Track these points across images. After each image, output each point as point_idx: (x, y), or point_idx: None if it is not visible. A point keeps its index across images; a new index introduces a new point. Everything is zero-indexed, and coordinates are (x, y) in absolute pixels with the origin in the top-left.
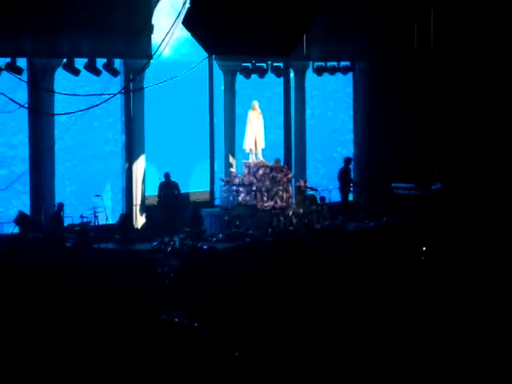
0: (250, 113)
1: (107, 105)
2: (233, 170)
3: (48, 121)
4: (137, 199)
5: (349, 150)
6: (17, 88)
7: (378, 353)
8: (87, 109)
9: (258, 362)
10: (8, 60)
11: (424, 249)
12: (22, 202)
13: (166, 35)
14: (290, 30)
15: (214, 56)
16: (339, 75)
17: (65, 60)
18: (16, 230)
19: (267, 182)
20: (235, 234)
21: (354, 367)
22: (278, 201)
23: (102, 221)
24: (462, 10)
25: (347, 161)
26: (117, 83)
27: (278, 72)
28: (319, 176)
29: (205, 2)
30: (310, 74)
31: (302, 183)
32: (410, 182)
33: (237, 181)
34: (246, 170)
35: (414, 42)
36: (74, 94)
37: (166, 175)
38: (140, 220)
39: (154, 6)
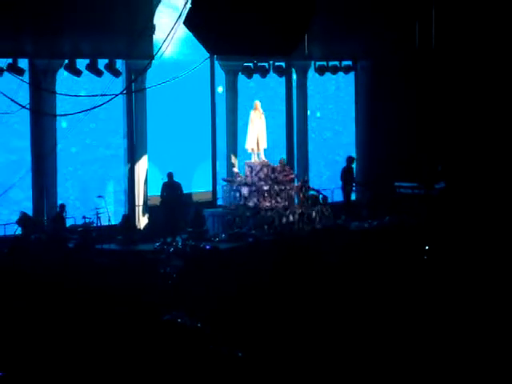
0: (252, 113)
1: (109, 105)
2: (235, 169)
3: (50, 122)
4: (139, 200)
5: (351, 152)
6: (18, 89)
7: (380, 352)
8: (89, 109)
9: (261, 362)
10: (9, 61)
11: (427, 248)
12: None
13: (168, 35)
14: (291, 29)
15: (215, 56)
16: (341, 75)
17: (66, 61)
18: (18, 231)
19: (269, 182)
20: (238, 234)
21: (355, 366)
22: (281, 201)
23: (104, 221)
24: (463, 9)
25: (350, 160)
26: (119, 84)
27: (280, 72)
28: (322, 179)
29: (206, 2)
30: (311, 74)
31: (303, 183)
32: (413, 181)
33: (239, 181)
34: (248, 170)
35: (415, 40)
36: (76, 95)
37: (170, 175)
38: (142, 220)
39: (156, 6)
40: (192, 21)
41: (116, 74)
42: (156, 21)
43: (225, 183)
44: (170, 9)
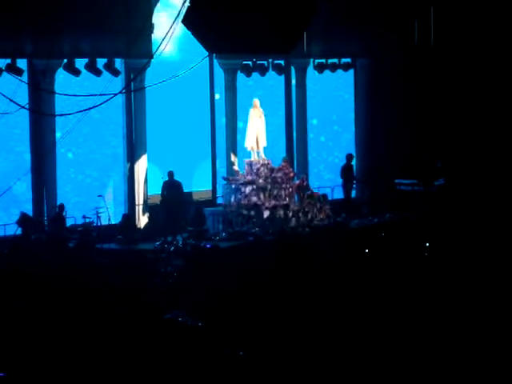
0: (251, 111)
1: (109, 105)
2: (235, 167)
3: (49, 121)
4: (139, 199)
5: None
6: (17, 89)
7: (380, 351)
8: (88, 109)
9: (262, 360)
10: (8, 61)
11: (427, 245)
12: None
13: (167, 34)
14: (290, 27)
15: (214, 54)
16: (339, 74)
17: (65, 60)
18: (19, 231)
19: (269, 180)
20: (238, 232)
21: (356, 365)
22: (280, 199)
23: (104, 221)
24: (462, 7)
25: (349, 157)
26: (118, 83)
27: (279, 70)
28: (322, 182)
29: (205, 1)
30: (310, 72)
31: (303, 181)
32: (412, 178)
33: (239, 179)
34: (247, 169)
35: (414, 38)
36: (75, 95)
37: (170, 174)
38: (142, 220)
39: (154, 5)
40: (191, 20)
41: (115, 73)
42: (155, 20)
43: (225, 182)
44: (169, 8)
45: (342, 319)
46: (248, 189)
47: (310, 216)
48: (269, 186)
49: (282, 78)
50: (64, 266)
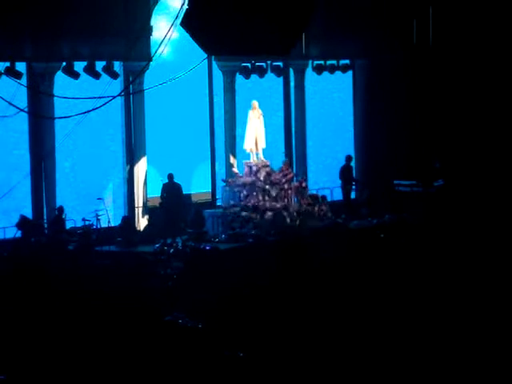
0: (250, 113)
1: (108, 107)
2: (235, 169)
3: (48, 124)
4: (139, 201)
5: (349, 151)
6: (16, 92)
7: (379, 352)
8: (87, 112)
9: (262, 362)
10: (7, 64)
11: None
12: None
13: (165, 37)
14: (288, 29)
15: (213, 56)
16: (338, 74)
17: (64, 63)
18: (18, 234)
19: (268, 182)
20: (237, 234)
21: (356, 365)
22: (280, 200)
23: (104, 223)
24: (460, 7)
25: (348, 158)
26: (117, 86)
27: (278, 71)
28: (320, 184)
29: (203, 4)
30: (309, 74)
31: (301, 183)
32: (411, 178)
33: (238, 181)
34: (247, 170)
35: (413, 39)
36: (74, 98)
37: (170, 176)
38: (142, 222)
39: (153, 8)
40: (189, 22)
41: (114, 76)
42: (153, 23)
43: (224, 184)
44: (167, 10)
45: (342, 320)
46: (247, 190)
47: (309, 217)
48: (268, 188)
49: (281, 79)
50: (64, 269)
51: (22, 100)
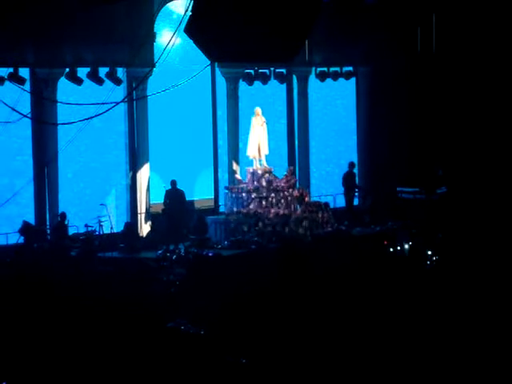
0: (253, 119)
1: (110, 114)
2: (237, 176)
3: (51, 130)
4: (141, 207)
5: (352, 157)
6: (19, 98)
7: (382, 357)
8: (90, 118)
9: (265, 368)
10: (10, 70)
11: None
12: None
13: (168, 43)
14: (292, 35)
15: (216, 63)
16: (341, 81)
17: (67, 70)
18: (21, 240)
19: (271, 189)
20: (240, 241)
21: (358, 371)
22: (282, 207)
23: (106, 230)
24: (463, 14)
25: (351, 165)
26: (120, 92)
27: (281, 78)
28: (323, 191)
29: (206, 10)
30: (312, 80)
31: (301, 193)
32: (414, 186)
33: (241, 187)
34: (249, 177)
35: (416, 46)
36: (77, 104)
37: (173, 183)
38: (145, 228)
39: (156, 15)
40: (193, 28)
41: (117, 82)
42: (157, 29)
43: (227, 190)
44: (171, 17)
45: (345, 326)
46: (250, 197)
47: (312, 224)
48: (271, 194)
49: (284, 86)
50: (66, 275)
51: (26, 106)
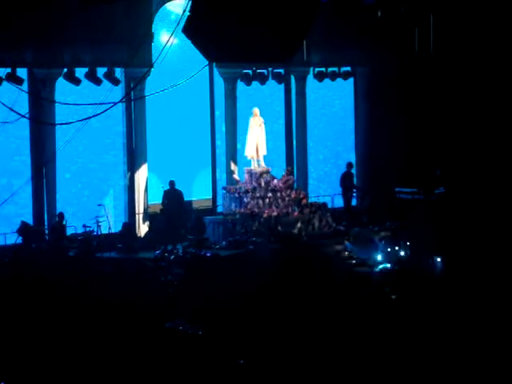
0: (251, 120)
1: (109, 114)
2: (235, 176)
3: (49, 130)
4: (139, 208)
5: (350, 158)
6: (17, 98)
7: (382, 360)
8: (88, 118)
9: (263, 369)
10: (8, 70)
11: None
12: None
13: (166, 44)
14: (290, 36)
15: (214, 63)
16: (339, 81)
17: (65, 70)
18: (19, 240)
19: (268, 189)
20: (238, 241)
21: (356, 371)
22: (280, 207)
23: (104, 230)
24: (461, 15)
25: (349, 165)
26: (117, 92)
27: (279, 78)
28: (321, 191)
29: (204, 10)
30: (310, 80)
31: (298, 194)
32: (412, 186)
33: (239, 188)
34: (247, 177)
35: (413, 46)
36: (75, 104)
37: (171, 183)
38: (143, 228)
39: (154, 15)
40: (191, 29)
41: (115, 82)
42: (155, 29)
43: (224, 190)
44: (169, 17)
45: (343, 327)
46: (248, 197)
47: (310, 224)
48: (268, 194)
49: (283, 86)
50: (64, 275)
51: (23, 106)
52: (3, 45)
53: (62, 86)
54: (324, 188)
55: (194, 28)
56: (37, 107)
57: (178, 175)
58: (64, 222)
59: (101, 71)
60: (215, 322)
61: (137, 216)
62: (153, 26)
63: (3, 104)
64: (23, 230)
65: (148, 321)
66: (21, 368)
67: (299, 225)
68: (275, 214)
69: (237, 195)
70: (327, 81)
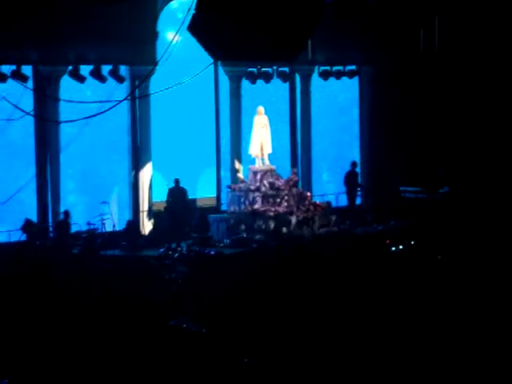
0: (256, 118)
1: (114, 112)
2: (240, 174)
3: (54, 128)
4: (144, 205)
5: (355, 156)
6: (22, 95)
7: (384, 358)
8: (93, 116)
9: (267, 367)
10: (13, 68)
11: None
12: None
13: (171, 42)
14: (295, 35)
15: (219, 61)
16: (344, 80)
17: (70, 67)
18: (23, 237)
19: (273, 188)
20: (242, 239)
21: (359, 371)
22: (284, 206)
23: (109, 227)
24: (466, 15)
25: (353, 164)
26: (122, 90)
27: (284, 77)
28: (325, 189)
29: (210, 9)
30: (315, 79)
31: (303, 192)
32: (416, 185)
33: (243, 186)
34: (252, 176)
35: (418, 46)
36: (80, 102)
37: (176, 181)
38: (147, 226)
39: (159, 13)
40: (196, 27)
41: (120, 80)
42: (160, 27)
43: (229, 189)
44: (174, 14)
45: (346, 325)
46: (252, 196)
47: (314, 223)
48: (272, 193)
49: (287, 84)
50: (68, 273)
51: (28, 104)
52: (8, 42)
53: (67, 83)
54: (328, 187)
55: (200, 26)
56: (41, 105)
57: (182, 173)
58: (69, 220)
59: (105, 69)
60: (219, 320)
61: (141, 214)
62: (158, 24)
63: (8, 101)
64: (27, 227)
65: (152, 319)
66: (25, 366)
67: (303, 224)
68: (279, 212)
69: (241, 194)
70: (332, 79)
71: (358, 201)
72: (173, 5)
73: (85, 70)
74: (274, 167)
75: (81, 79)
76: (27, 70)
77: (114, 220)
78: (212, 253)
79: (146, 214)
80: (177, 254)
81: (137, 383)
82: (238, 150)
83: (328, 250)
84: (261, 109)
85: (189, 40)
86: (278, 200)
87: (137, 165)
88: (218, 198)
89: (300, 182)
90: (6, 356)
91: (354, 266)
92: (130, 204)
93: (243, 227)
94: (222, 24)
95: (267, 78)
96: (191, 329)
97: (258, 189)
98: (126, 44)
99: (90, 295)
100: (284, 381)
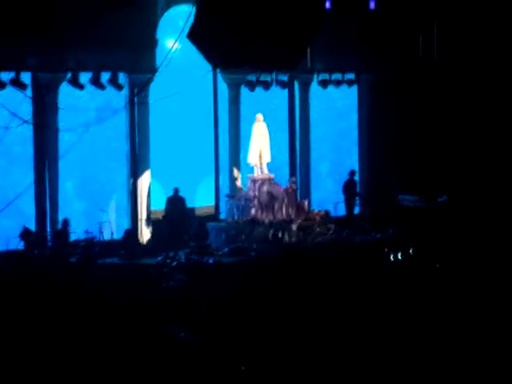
0: (255, 125)
1: (112, 119)
2: (238, 183)
3: (52, 136)
4: (142, 214)
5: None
6: (21, 103)
7: (378, 364)
8: (91, 124)
9: (265, 375)
10: (12, 75)
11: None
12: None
13: (170, 50)
14: (295, 43)
15: (218, 69)
16: (343, 88)
17: (69, 75)
18: (21, 245)
19: (271, 196)
20: (240, 248)
21: (358, 377)
22: (283, 215)
23: (107, 236)
24: (465, 23)
25: (352, 173)
26: (121, 98)
27: (283, 85)
28: (324, 198)
29: (210, 16)
30: (314, 87)
31: (301, 202)
32: (415, 194)
33: (241, 195)
34: (250, 184)
35: (417, 53)
36: (79, 109)
37: (175, 190)
38: (145, 235)
39: (159, 20)
40: (195, 35)
41: (118, 87)
42: (159, 35)
43: (227, 197)
44: (174, 22)
45: (344, 334)
46: (251, 204)
47: (312, 232)
48: (270, 202)
49: (286, 92)
50: (66, 281)
51: (27, 110)
52: (7, 49)
53: (66, 91)
54: (327, 195)
55: (199, 34)
56: (40, 112)
57: (181, 182)
58: (68, 229)
59: (104, 77)
60: (217, 329)
61: (139, 222)
62: (158, 31)
63: (7, 109)
64: (25, 235)
65: (150, 327)
66: (23, 373)
67: (301, 232)
68: (277, 221)
69: (239, 202)
70: (331, 87)
71: (357, 210)
72: (172, 12)
73: (84, 77)
74: (272, 176)
75: (80, 87)
76: (26, 77)
77: (113, 228)
78: (210, 261)
79: (144, 222)
80: (175, 263)
81: None
82: (236, 157)
83: (326, 259)
84: (259, 116)
85: (188, 47)
86: (277, 209)
87: (135, 172)
88: (217, 206)
89: (298, 191)
90: (5, 363)
91: (352, 275)
92: (128, 212)
93: (241, 236)
94: (221, 31)
95: (266, 85)
96: (189, 337)
97: (256, 197)
98: (126, 51)
99: (88, 303)
100: None
